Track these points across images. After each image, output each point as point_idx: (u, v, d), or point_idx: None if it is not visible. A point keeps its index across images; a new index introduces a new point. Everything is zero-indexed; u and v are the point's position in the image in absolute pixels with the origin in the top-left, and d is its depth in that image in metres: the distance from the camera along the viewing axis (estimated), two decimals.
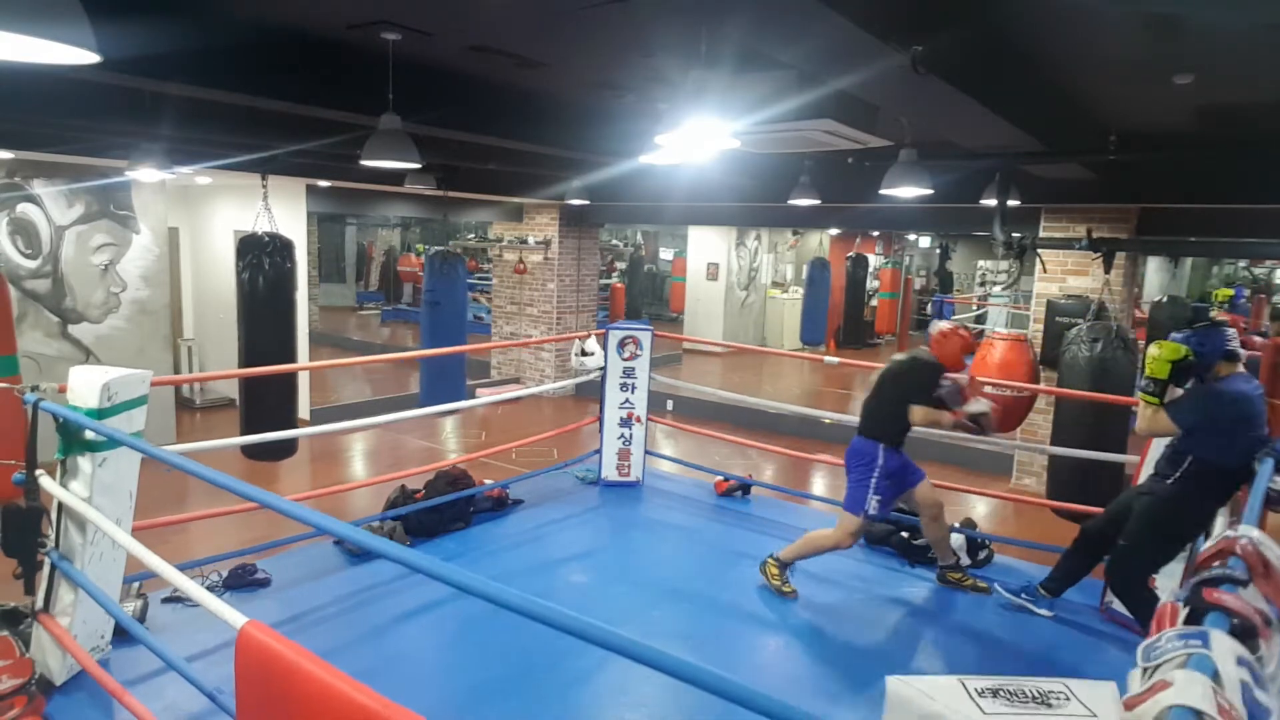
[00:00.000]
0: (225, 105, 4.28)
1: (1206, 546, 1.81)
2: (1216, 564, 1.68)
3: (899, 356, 4.24)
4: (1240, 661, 1.27)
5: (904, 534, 4.73)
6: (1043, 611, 3.93)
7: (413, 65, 4.16)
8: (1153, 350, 3.40)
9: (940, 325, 4.08)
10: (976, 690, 2.24)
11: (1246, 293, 14.78)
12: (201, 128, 4.73)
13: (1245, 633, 1.42)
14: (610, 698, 3.19)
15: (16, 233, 6.90)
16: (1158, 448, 3.73)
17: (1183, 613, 1.54)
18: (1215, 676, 1.22)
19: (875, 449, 3.96)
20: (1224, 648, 1.28)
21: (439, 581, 1.74)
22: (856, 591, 4.31)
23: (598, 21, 3.31)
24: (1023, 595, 3.98)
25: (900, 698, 2.28)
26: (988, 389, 4.31)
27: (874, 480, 3.95)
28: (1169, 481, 3.44)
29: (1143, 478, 4.24)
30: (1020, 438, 6.77)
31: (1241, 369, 3.36)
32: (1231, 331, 3.36)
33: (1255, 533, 1.77)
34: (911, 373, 4.04)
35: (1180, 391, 3.49)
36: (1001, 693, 2.24)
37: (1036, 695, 2.23)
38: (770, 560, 4.24)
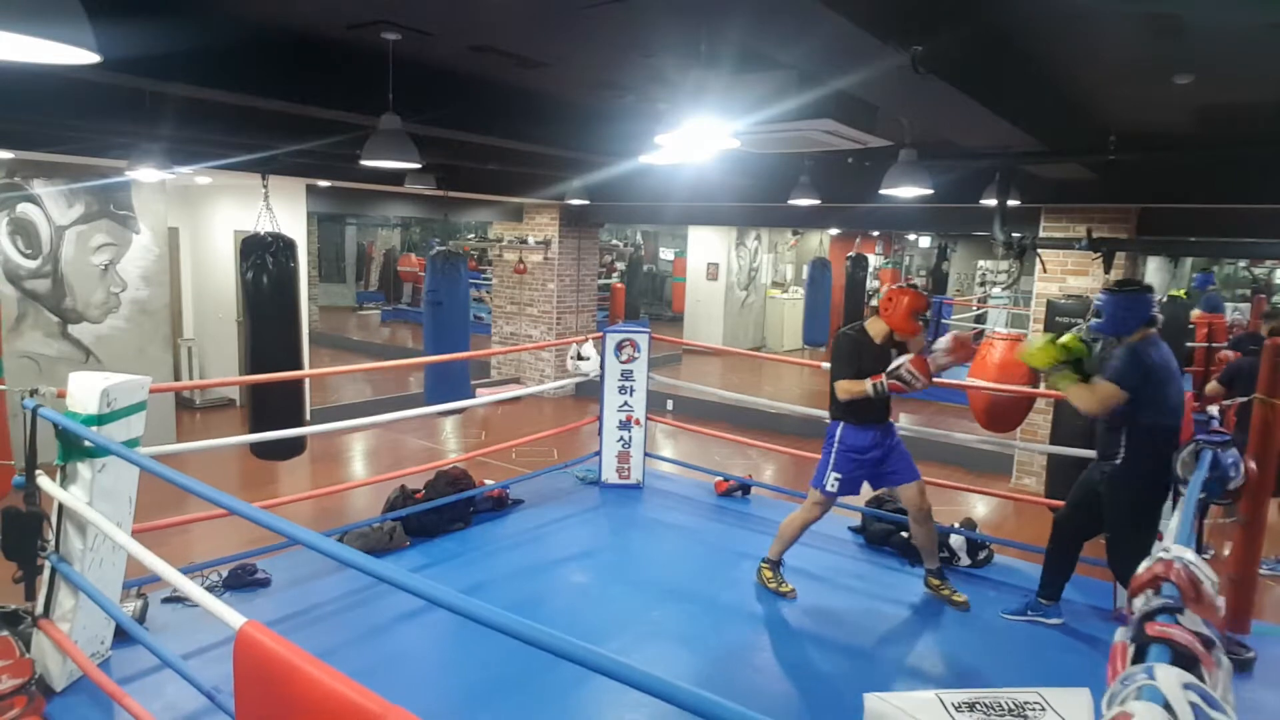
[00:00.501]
0: (225, 105, 4.28)
1: (1141, 571, 1.82)
2: (1152, 591, 1.71)
3: None
4: (1187, 686, 1.30)
5: (904, 534, 4.73)
6: (1053, 621, 3.91)
7: (413, 65, 4.16)
8: (1038, 343, 3.61)
9: (889, 287, 4.07)
10: (954, 705, 2.26)
11: (1215, 282, 14.47)
12: (201, 128, 4.73)
13: (1187, 662, 1.44)
14: (611, 697, 3.19)
15: (16, 233, 6.90)
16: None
17: (1130, 649, 1.56)
18: (1166, 705, 1.25)
19: (835, 427, 4.06)
20: (1169, 676, 1.32)
21: (407, 593, 1.76)
22: (856, 592, 4.31)
23: (598, 21, 3.31)
24: (1028, 613, 3.94)
25: (878, 715, 2.29)
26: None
27: (833, 456, 4.03)
28: (1118, 462, 3.49)
29: None
30: (1020, 438, 6.77)
31: (1154, 332, 3.48)
32: (1153, 298, 3.53)
33: (1187, 554, 1.79)
34: (833, 350, 4.08)
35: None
36: (979, 706, 2.26)
37: (1013, 707, 2.26)
38: (762, 564, 4.28)
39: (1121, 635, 1.67)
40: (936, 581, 4.22)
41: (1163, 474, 3.30)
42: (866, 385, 3.86)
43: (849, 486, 4.08)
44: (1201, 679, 1.40)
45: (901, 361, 3.85)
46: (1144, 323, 3.46)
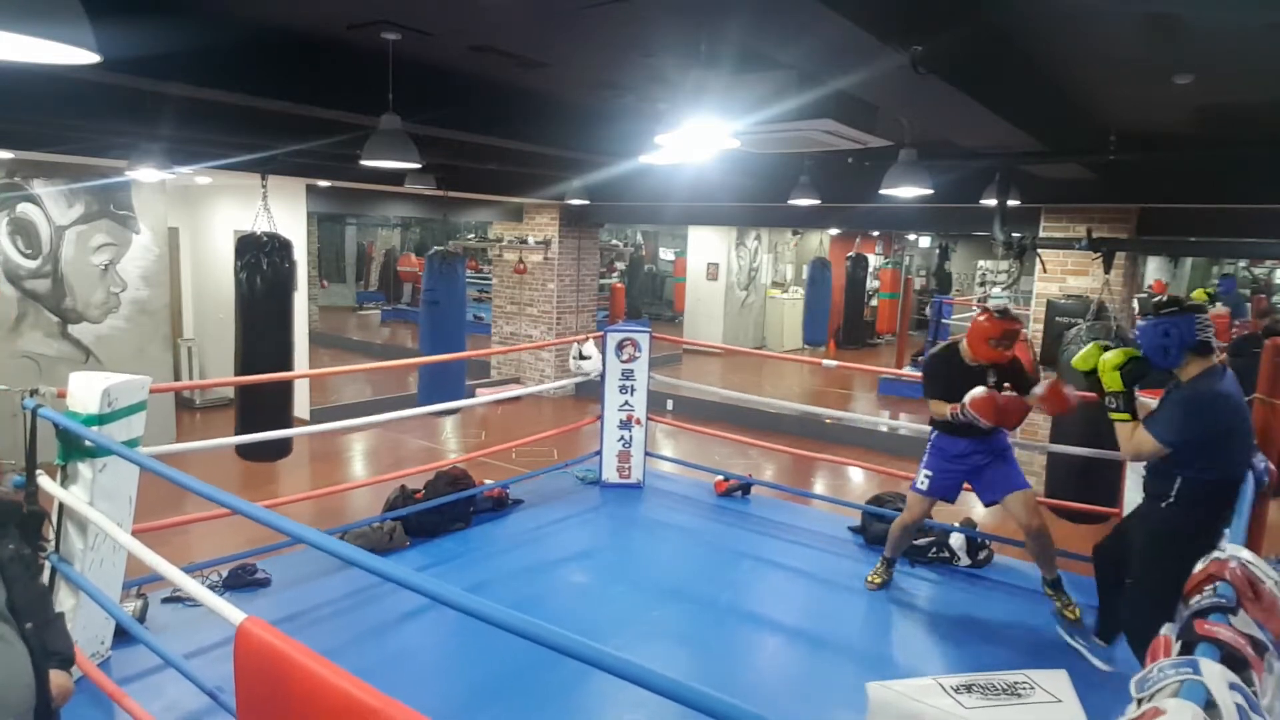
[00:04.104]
0: (225, 105, 4.27)
1: (1197, 570, 1.78)
2: (1207, 589, 1.66)
3: None
4: (1233, 687, 1.26)
5: None
6: (1099, 663, 3.41)
7: (413, 65, 4.16)
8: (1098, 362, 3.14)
9: (982, 310, 3.94)
10: (952, 687, 2.40)
11: (1237, 285, 14.47)
12: (201, 128, 4.73)
13: (1236, 664, 1.41)
14: (611, 695, 3.19)
15: (16, 233, 6.90)
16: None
17: (1176, 646, 1.54)
18: (1209, 703, 1.22)
19: (931, 431, 4.12)
20: (1215, 673, 1.28)
21: (412, 591, 1.77)
22: (856, 592, 4.30)
23: (598, 21, 3.31)
24: (1077, 638, 3.60)
25: (882, 701, 2.38)
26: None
27: (925, 455, 4.10)
28: (1163, 506, 3.03)
29: (1128, 483, 4.16)
30: (1020, 437, 6.76)
31: (1215, 363, 2.97)
32: (1203, 319, 2.97)
33: (1244, 553, 1.76)
34: (922, 369, 4.16)
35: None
36: (974, 688, 2.42)
37: (1005, 687, 2.43)
38: (882, 557, 4.37)
39: (1167, 630, 1.64)
40: (1051, 592, 3.94)
41: (1211, 535, 2.65)
42: (947, 410, 3.83)
43: (943, 487, 4.05)
44: (1250, 683, 1.37)
45: (970, 398, 3.72)
46: (1191, 350, 2.93)
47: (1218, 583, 1.66)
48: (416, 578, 1.77)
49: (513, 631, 1.56)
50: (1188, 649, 1.49)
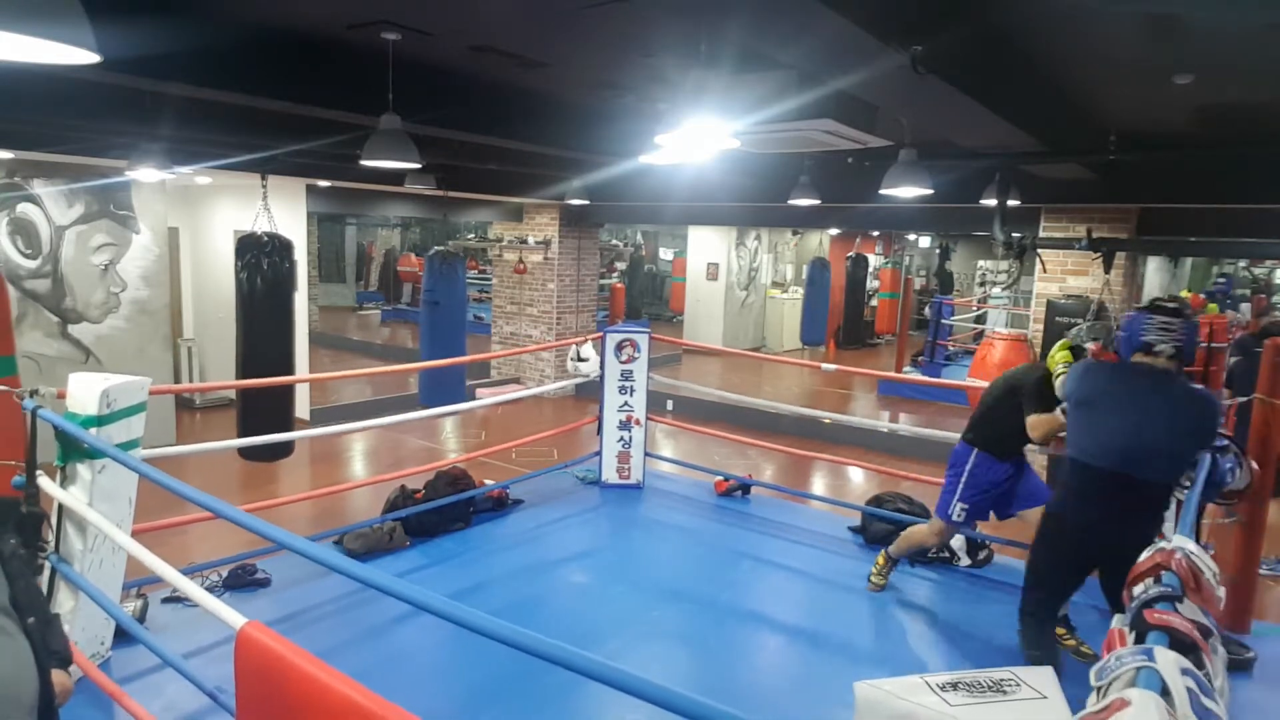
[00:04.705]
0: (225, 105, 4.28)
1: (1142, 559, 1.83)
2: (1151, 579, 1.74)
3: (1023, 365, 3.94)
4: (1184, 672, 1.33)
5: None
6: None
7: (413, 65, 4.16)
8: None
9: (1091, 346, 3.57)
10: (938, 685, 2.41)
11: (1235, 285, 14.44)
12: (201, 128, 4.73)
13: (1186, 649, 1.46)
14: (610, 697, 3.18)
15: (16, 233, 6.90)
16: None
17: (1130, 636, 1.59)
18: (1164, 690, 1.28)
19: (967, 453, 3.81)
20: (1168, 660, 1.35)
21: (395, 598, 1.77)
22: (856, 591, 4.30)
23: (598, 21, 3.31)
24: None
25: (869, 701, 2.40)
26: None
27: (960, 486, 3.79)
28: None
29: None
30: None
31: (1145, 360, 2.92)
32: (1153, 321, 2.91)
33: (1189, 544, 1.82)
34: (1028, 375, 3.58)
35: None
36: (961, 685, 2.44)
37: (991, 684, 2.45)
38: (882, 552, 4.28)
39: (1119, 622, 1.70)
40: (1062, 630, 3.55)
41: (1072, 527, 2.90)
42: (1058, 411, 3.37)
43: (977, 515, 3.87)
44: (1200, 665, 1.42)
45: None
46: (1138, 349, 2.95)
47: (1163, 572, 1.73)
48: (397, 584, 1.77)
49: (485, 635, 1.57)
50: (1140, 638, 1.54)
